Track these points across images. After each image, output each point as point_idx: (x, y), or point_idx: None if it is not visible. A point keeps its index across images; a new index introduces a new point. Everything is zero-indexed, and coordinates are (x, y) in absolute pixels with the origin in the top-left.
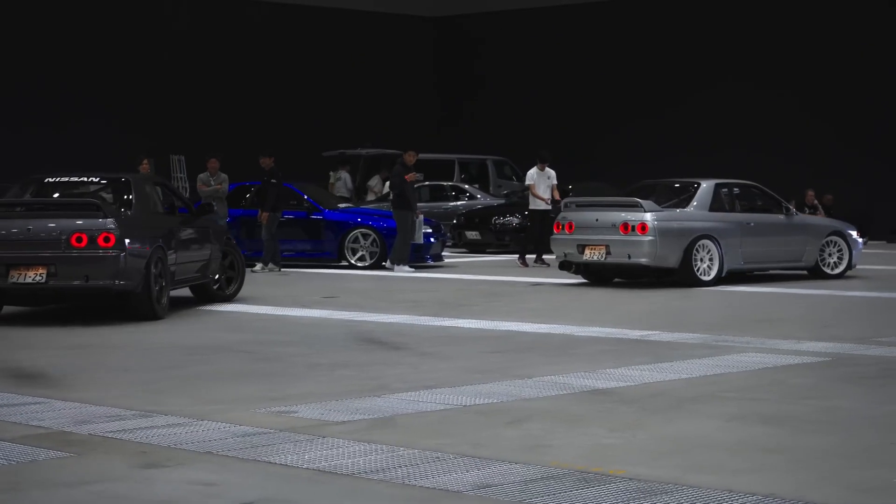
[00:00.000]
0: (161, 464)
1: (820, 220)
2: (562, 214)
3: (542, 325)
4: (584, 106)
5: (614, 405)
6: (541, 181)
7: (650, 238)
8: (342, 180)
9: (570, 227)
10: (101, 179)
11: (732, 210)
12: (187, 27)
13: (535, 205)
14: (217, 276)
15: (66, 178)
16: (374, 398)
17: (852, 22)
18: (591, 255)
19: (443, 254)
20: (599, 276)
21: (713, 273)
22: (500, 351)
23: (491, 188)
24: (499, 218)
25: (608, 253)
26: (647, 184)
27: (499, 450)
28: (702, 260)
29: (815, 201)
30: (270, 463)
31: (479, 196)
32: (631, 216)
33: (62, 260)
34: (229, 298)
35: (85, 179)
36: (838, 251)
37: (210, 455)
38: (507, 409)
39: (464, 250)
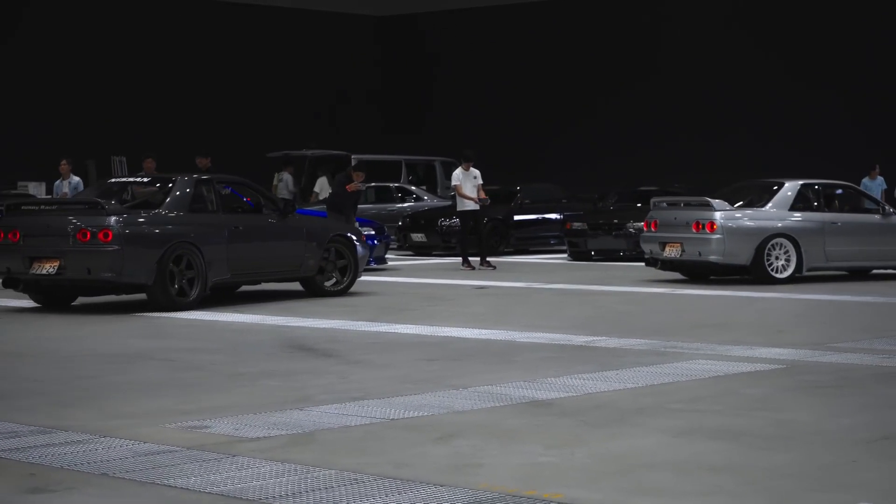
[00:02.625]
0: (48, 488)
1: None
2: (650, 213)
3: (483, 331)
4: (534, 106)
5: (553, 418)
6: (466, 181)
7: (718, 236)
8: (284, 181)
9: (655, 225)
10: (152, 179)
11: (819, 209)
12: (126, 26)
13: (463, 206)
14: (323, 272)
15: (126, 180)
16: (296, 411)
17: (791, 17)
18: (669, 252)
19: (386, 256)
20: (691, 272)
21: (789, 271)
22: (437, 358)
23: (438, 190)
24: (445, 220)
25: (683, 250)
26: (743, 185)
27: (424, 470)
28: (776, 258)
29: None
30: (170, 486)
31: (425, 198)
32: (702, 214)
33: (70, 254)
34: (340, 293)
35: (142, 179)
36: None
37: (105, 478)
38: (437, 423)
39: (409, 253)
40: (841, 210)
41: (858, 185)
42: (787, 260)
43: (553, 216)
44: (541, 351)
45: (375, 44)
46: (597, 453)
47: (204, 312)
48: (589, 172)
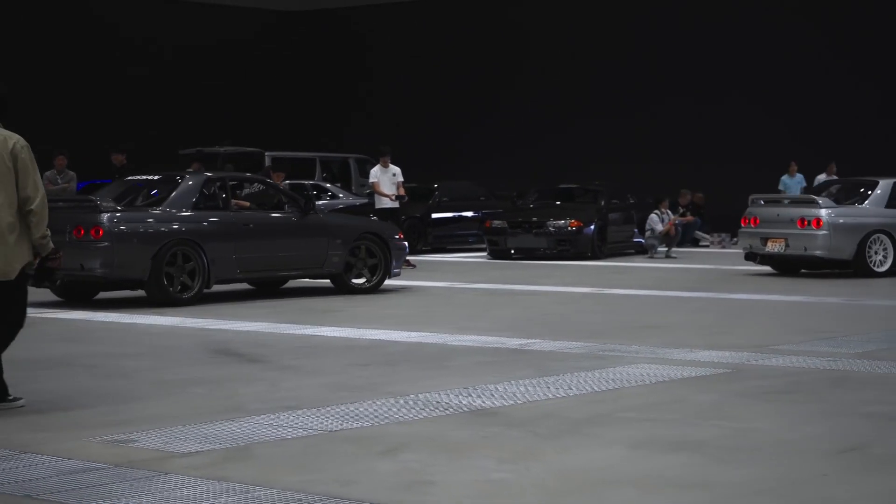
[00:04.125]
0: None
1: None
2: (748, 210)
3: (412, 333)
4: (451, 102)
5: (501, 429)
6: (384, 178)
7: (824, 232)
8: None
9: (755, 221)
10: (162, 177)
11: None
12: (36, 15)
13: (381, 203)
14: (351, 269)
15: (146, 177)
16: (227, 422)
17: (714, 24)
18: (772, 247)
19: None
20: (781, 266)
21: (887, 265)
22: (368, 363)
23: (353, 187)
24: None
25: (787, 245)
26: (831, 181)
27: (373, 488)
28: (876, 252)
29: (689, 200)
30: None
31: (340, 195)
32: (807, 211)
33: (65, 251)
34: (369, 291)
35: (155, 178)
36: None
37: (28, 500)
38: (379, 434)
39: None
40: None
41: (777, 184)
42: (885, 255)
43: (471, 214)
44: (475, 355)
45: (289, 39)
46: (553, 468)
47: (121, 314)
48: (506, 169)
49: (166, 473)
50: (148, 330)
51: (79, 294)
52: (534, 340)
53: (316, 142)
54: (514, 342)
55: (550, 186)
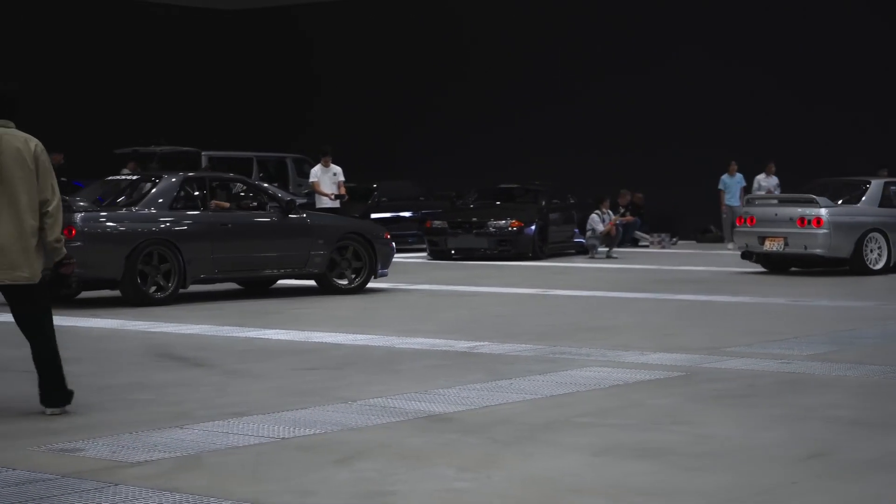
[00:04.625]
0: None
1: None
2: (744, 209)
3: (359, 336)
4: (389, 101)
5: (458, 436)
6: (325, 178)
7: (825, 231)
8: None
9: (752, 220)
10: (140, 177)
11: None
12: None
13: (321, 203)
14: (333, 269)
15: (125, 177)
16: (176, 430)
17: (649, 24)
18: (770, 245)
19: None
20: (777, 265)
21: (881, 263)
22: (316, 367)
23: (290, 187)
24: None
25: (786, 244)
26: (821, 181)
27: (331, 499)
28: (871, 251)
29: (629, 200)
30: None
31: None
32: (807, 211)
33: None
34: (353, 291)
35: (134, 177)
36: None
37: None
38: (333, 442)
39: None
40: None
41: (717, 183)
42: (880, 253)
43: (410, 214)
44: (424, 358)
45: (229, 38)
46: (516, 476)
47: (60, 317)
48: (447, 169)
49: (116, 484)
50: (88, 333)
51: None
52: (482, 343)
53: (255, 141)
54: (462, 345)
55: (490, 186)
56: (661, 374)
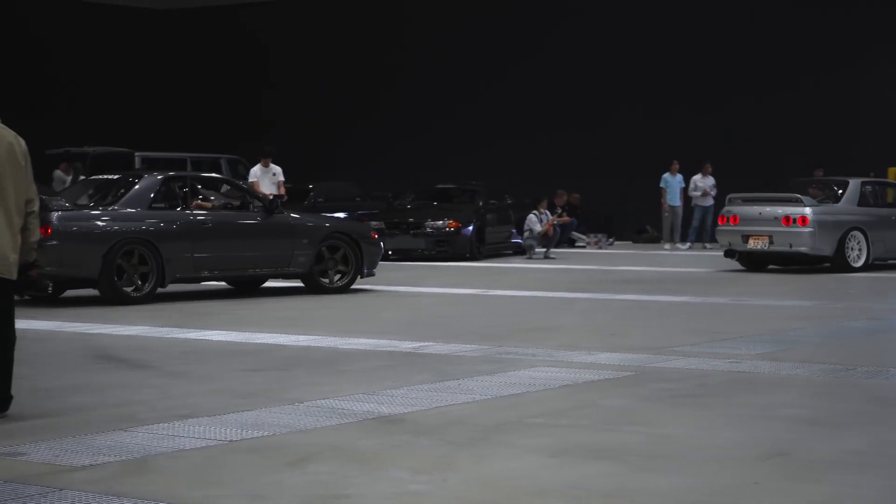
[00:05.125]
0: None
1: None
2: (726, 208)
3: (301, 337)
4: (328, 101)
5: (410, 437)
6: (265, 178)
7: (810, 229)
8: (57, 179)
9: (735, 219)
10: (121, 177)
11: (876, 205)
12: None
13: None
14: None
15: (108, 177)
16: (120, 432)
17: (588, 18)
18: (754, 244)
19: None
20: (757, 263)
21: (861, 261)
22: (260, 368)
23: None
24: None
25: (771, 242)
26: (800, 181)
27: (285, 503)
28: (852, 249)
29: (566, 201)
30: None
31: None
32: (792, 210)
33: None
34: (340, 290)
35: (111, 177)
36: None
37: None
38: (283, 444)
39: None
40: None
41: (658, 181)
42: (860, 250)
43: (346, 215)
44: (369, 359)
45: (167, 37)
46: (472, 479)
47: None
48: (385, 170)
49: (61, 489)
50: (24, 334)
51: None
52: (427, 343)
53: (190, 141)
54: (407, 345)
55: (427, 186)
56: (610, 374)
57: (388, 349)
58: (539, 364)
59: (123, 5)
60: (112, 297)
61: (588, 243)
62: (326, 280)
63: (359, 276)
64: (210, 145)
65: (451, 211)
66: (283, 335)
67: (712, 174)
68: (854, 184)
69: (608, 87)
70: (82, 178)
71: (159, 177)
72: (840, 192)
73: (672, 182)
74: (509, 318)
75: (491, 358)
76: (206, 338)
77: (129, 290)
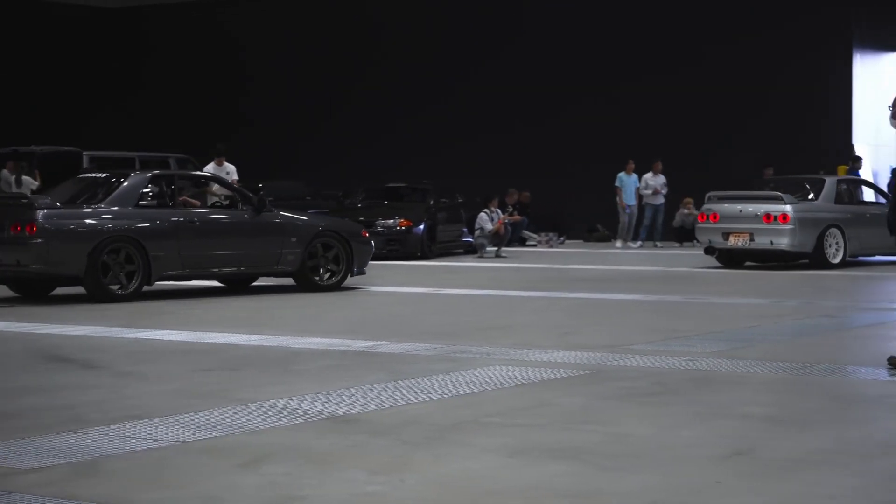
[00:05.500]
0: None
1: None
2: (706, 206)
3: (253, 336)
4: (278, 102)
5: (366, 437)
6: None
7: (791, 227)
8: (3, 179)
9: (715, 217)
10: (108, 175)
11: (850, 202)
12: None
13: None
14: (304, 265)
15: (95, 175)
16: (70, 434)
17: (540, 21)
18: (735, 241)
19: None
20: (736, 260)
21: (839, 257)
22: (212, 368)
23: None
24: None
25: (752, 239)
26: (776, 179)
27: None
28: (830, 245)
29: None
30: None
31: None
32: (773, 207)
33: (3, 247)
34: (332, 288)
35: (100, 176)
36: None
37: None
38: (237, 445)
39: None
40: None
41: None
42: (838, 247)
43: None
44: (322, 358)
45: (110, 36)
46: (430, 479)
47: None
48: (335, 169)
49: (10, 492)
50: None
51: (38, 290)
52: (380, 342)
53: (139, 141)
54: (360, 344)
55: (378, 185)
56: (566, 373)
57: (341, 348)
58: (494, 363)
59: (74, 4)
60: (98, 294)
61: (539, 242)
62: (318, 278)
63: (349, 275)
64: (160, 145)
65: (402, 210)
66: (235, 335)
67: (663, 172)
68: (830, 182)
69: (559, 87)
70: (25, 178)
71: (147, 175)
72: (809, 188)
73: (627, 181)
74: (462, 317)
75: (445, 357)
76: (158, 337)
77: (115, 288)
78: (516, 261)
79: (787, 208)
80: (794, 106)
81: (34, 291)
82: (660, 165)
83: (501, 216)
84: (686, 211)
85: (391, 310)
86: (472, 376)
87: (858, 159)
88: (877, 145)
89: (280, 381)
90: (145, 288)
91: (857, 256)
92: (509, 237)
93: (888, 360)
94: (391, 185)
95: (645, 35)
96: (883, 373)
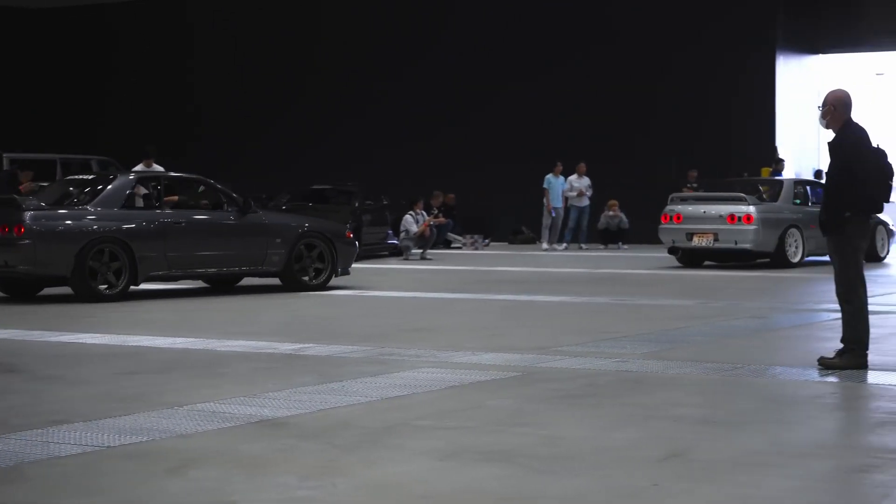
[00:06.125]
0: None
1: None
2: (668, 207)
3: (177, 339)
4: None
5: (295, 441)
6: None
7: (754, 227)
8: None
9: (678, 217)
10: (96, 177)
11: (804, 203)
12: None
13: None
14: (290, 265)
15: (83, 177)
16: None
17: (468, 25)
18: (699, 241)
19: None
20: (697, 261)
21: (798, 256)
22: (136, 372)
23: None
24: None
25: (716, 240)
26: (735, 180)
27: None
28: (790, 245)
29: (442, 201)
30: None
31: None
32: (737, 208)
33: None
34: (318, 287)
35: (86, 178)
36: (881, 238)
37: None
38: (163, 450)
39: None
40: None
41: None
42: (797, 246)
43: None
44: (248, 361)
45: (34, 37)
46: (363, 484)
47: None
48: (261, 171)
49: None
50: None
51: (25, 289)
52: (307, 345)
53: (61, 143)
54: (287, 347)
55: (302, 187)
56: (496, 375)
57: (268, 351)
58: (423, 365)
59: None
60: (84, 294)
61: (464, 244)
62: (306, 278)
63: (334, 275)
64: (88, 147)
65: (326, 212)
66: (159, 338)
67: (587, 174)
68: (788, 183)
69: (482, 89)
70: None
71: (132, 177)
72: (763, 190)
73: (555, 183)
74: (389, 319)
75: (373, 359)
76: (80, 341)
77: (103, 288)
78: (442, 263)
79: (751, 209)
80: (718, 108)
81: (21, 292)
82: (584, 167)
83: (427, 218)
84: (611, 213)
85: (317, 312)
86: (401, 379)
87: (780, 161)
88: (802, 148)
89: (207, 385)
90: (131, 288)
91: (812, 256)
92: (435, 239)
93: (818, 360)
94: (316, 186)
95: (568, 35)
96: (814, 373)
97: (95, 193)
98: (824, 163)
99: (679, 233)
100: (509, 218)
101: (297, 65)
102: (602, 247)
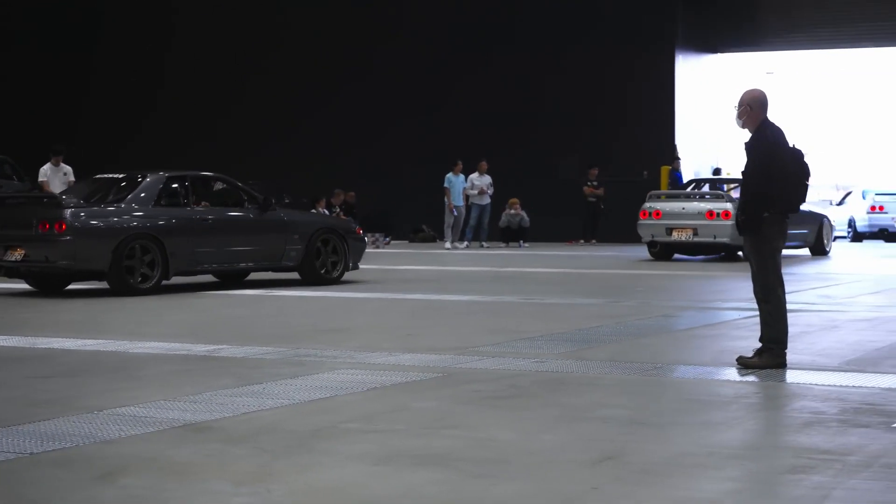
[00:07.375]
0: None
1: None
2: (647, 204)
3: (87, 341)
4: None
5: (223, 446)
6: (55, 177)
7: (732, 223)
8: None
9: (658, 214)
10: (126, 175)
11: None
12: None
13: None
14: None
15: (112, 175)
16: None
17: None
18: (679, 235)
19: None
20: (667, 254)
21: None
22: (50, 375)
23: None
24: None
25: (696, 234)
26: (698, 180)
27: None
28: None
29: (343, 200)
30: None
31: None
32: (715, 205)
33: (31, 243)
34: (335, 281)
35: (119, 176)
36: (826, 234)
37: None
38: (90, 456)
39: None
40: None
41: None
42: None
43: None
44: (164, 363)
45: None
46: (297, 490)
47: None
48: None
49: None
50: None
51: (53, 284)
52: (221, 346)
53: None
54: (201, 348)
55: None
56: (417, 376)
57: (182, 352)
58: (341, 366)
59: None
60: (121, 288)
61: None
62: (324, 270)
63: (346, 270)
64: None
65: None
66: (68, 339)
67: (488, 172)
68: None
69: (382, 88)
70: None
71: (164, 175)
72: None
73: (456, 182)
74: (300, 319)
75: (290, 360)
76: None
77: (138, 281)
78: None
79: (729, 206)
80: (619, 106)
81: (51, 286)
82: (485, 165)
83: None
84: (512, 211)
85: (226, 312)
86: (321, 380)
87: (677, 159)
88: (702, 147)
89: (124, 388)
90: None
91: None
92: None
93: (737, 360)
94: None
95: (468, 33)
96: (733, 373)
97: (129, 191)
98: (723, 161)
99: (659, 228)
100: (410, 216)
101: (208, 57)
102: (503, 245)
